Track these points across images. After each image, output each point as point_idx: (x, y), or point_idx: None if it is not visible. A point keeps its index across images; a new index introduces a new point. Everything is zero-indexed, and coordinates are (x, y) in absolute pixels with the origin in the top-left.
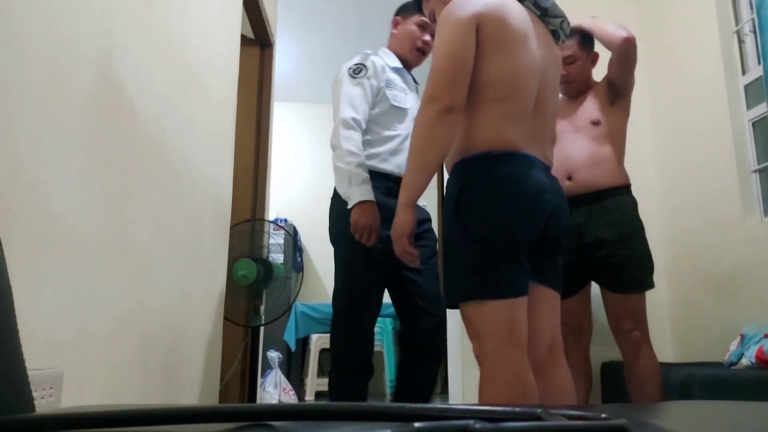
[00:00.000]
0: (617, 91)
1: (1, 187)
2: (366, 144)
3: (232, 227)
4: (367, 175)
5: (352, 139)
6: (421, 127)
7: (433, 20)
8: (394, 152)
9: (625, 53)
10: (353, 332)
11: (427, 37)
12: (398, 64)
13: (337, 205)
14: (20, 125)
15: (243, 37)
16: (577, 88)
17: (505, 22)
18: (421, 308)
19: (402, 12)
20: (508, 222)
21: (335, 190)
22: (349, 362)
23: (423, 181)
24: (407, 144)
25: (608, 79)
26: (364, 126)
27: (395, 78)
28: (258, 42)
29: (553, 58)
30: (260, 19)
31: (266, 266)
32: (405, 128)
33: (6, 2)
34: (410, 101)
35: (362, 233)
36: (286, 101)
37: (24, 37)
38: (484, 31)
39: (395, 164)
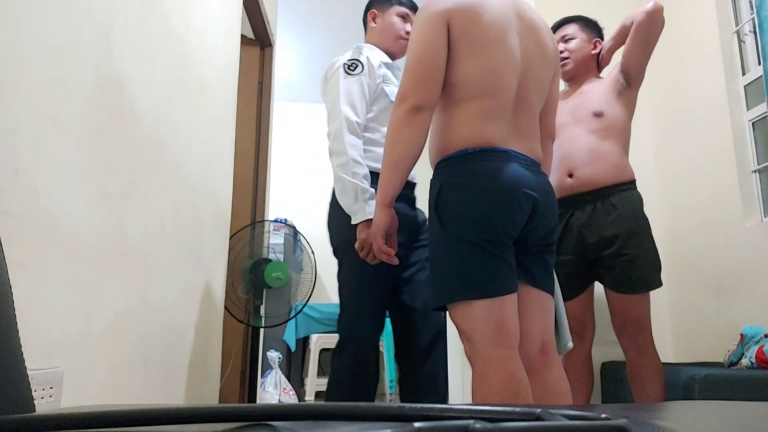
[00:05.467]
0: (629, 79)
1: (1, 187)
2: (371, 144)
3: (241, 230)
4: (373, 190)
5: (357, 147)
6: (392, 126)
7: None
8: None
9: (653, 19)
10: (364, 350)
11: (409, 27)
12: (387, 59)
13: (339, 217)
14: (20, 125)
15: (243, 37)
16: (574, 70)
17: (477, 20)
18: (417, 311)
19: (377, 4)
20: (486, 219)
21: (333, 199)
22: (358, 382)
23: (395, 181)
24: None
25: (622, 66)
26: (362, 130)
27: (387, 73)
28: (258, 42)
29: (540, 52)
30: (260, 19)
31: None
32: None
33: (7, 2)
34: None
35: (369, 252)
36: (286, 101)
37: (24, 37)
38: (455, 29)
39: None
